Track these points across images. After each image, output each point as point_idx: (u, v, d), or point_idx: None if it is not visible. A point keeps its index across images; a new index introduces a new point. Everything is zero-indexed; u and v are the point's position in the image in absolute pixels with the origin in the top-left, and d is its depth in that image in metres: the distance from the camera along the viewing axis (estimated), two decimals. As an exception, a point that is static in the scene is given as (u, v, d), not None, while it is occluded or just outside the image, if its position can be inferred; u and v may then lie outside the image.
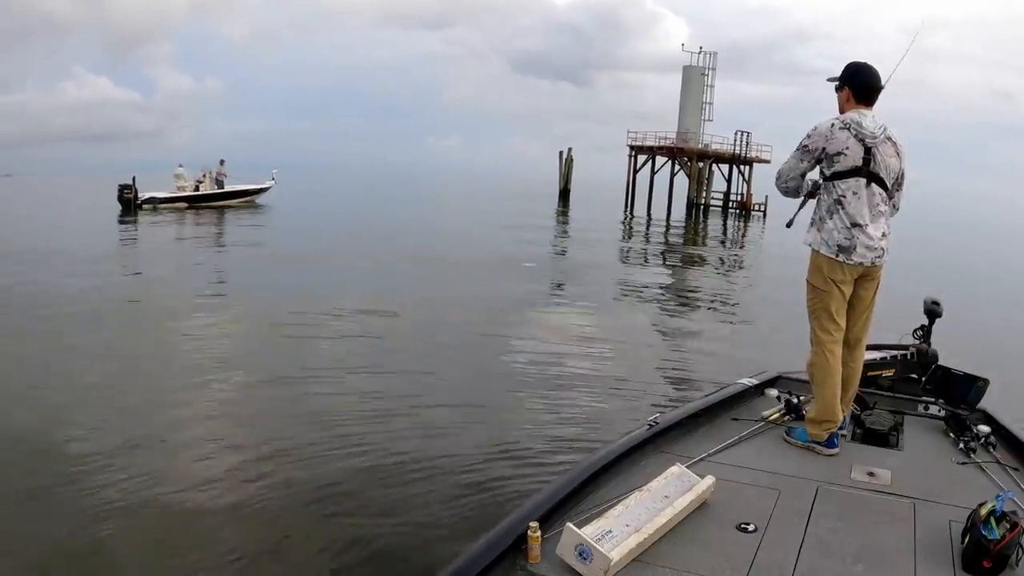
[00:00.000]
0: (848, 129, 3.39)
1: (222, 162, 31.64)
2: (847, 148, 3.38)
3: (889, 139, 3.43)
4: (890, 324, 4.48)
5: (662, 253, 19.12)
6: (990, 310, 14.33)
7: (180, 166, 30.76)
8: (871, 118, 3.42)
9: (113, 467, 5.18)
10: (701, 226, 36.49)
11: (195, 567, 4.07)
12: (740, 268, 16.78)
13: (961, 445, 3.52)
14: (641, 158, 49.44)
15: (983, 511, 2.44)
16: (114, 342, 8.61)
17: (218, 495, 4.89)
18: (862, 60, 3.53)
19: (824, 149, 3.43)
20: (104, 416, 6.19)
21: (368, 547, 4.29)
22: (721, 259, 17.60)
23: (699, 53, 49.32)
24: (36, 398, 6.52)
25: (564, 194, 48.44)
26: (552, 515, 2.61)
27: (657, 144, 48.32)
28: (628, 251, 20.18)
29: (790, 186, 3.62)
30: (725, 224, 39.06)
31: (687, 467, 2.91)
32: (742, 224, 40.12)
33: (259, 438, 5.93)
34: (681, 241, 24.88)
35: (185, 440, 5.82)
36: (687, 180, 47.43)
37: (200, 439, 5.82)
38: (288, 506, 4.78)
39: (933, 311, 4.60)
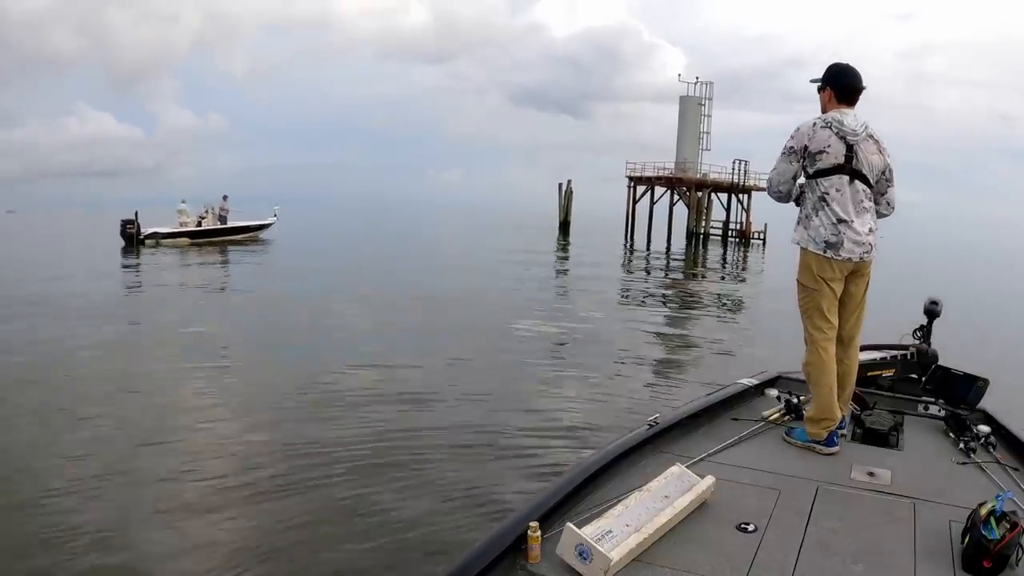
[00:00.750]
0: (829, 127, 3.44)
1: (225, 198, 31.87)
2: (829, 146, 3.43)
3: (871, 137, 3.47)
4: (890, 324, 4.50)
5: (662, 295, 18.88)
6: (992, 335, 14.32)
7: (183, 202, 30.97)
8: (852, 116, 3.46)
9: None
10: (701, 256, 36.44)
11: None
12: (740, 311, 16.59)
13: (961, 445, 3.51)
14: (640, 188, 49.84)
15: (983, 511, 2.43)
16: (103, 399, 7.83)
17: (231, 496, 5.04)
18: (844, 62, 3.58)
19: (807, 147, 3.47)
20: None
21: (368, 548, 4.33)
22: (719, 297, 17.48)
23: (695, 83, 50.07)
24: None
25: (564, 226, 48.64)
26: (552, 515, 2.60)
27: (656, 174, 48.74)
28: (628, 291, 19.89)
29: (782, 191, 3.64)
30: (725, 253, 39.11)
31: (687, 467, 2.90)
32: (742, 253, 40.21)
33: (254, 437, 6.20)
34: (681, 277, 24.63)
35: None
36: (686, 210, 47.71)
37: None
38: (288, 513, 4.84)
39: (933, 311, 4.62)
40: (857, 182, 3.45)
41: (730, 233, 47.90)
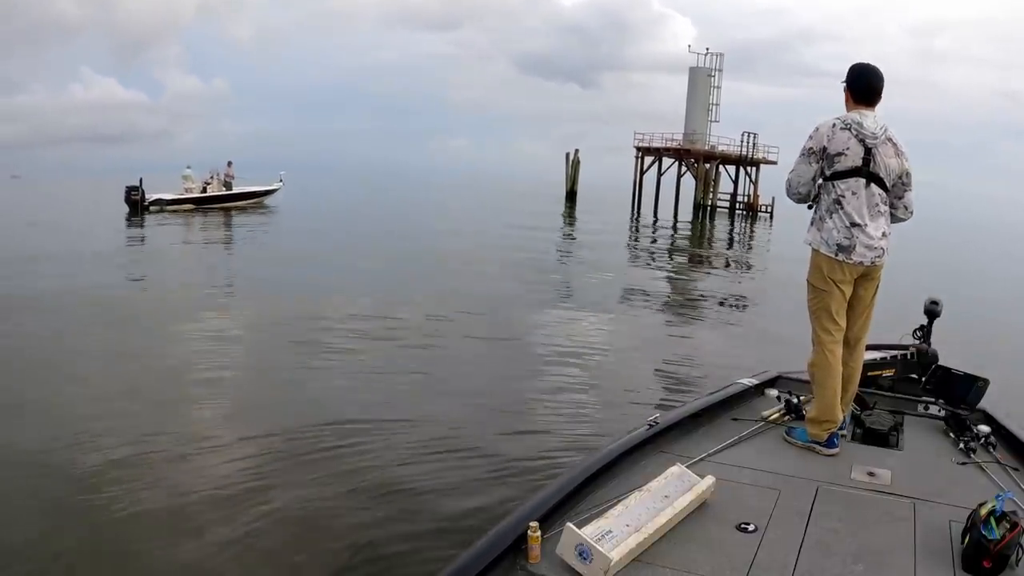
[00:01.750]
0: (849, 129, 3.40)
1: (230, 164, 31.77)
2: (847, 148, 3.40)
3: (890, 140, 3.43)
4: (890, 324, 4.47)
5: (667, 280, 18.59)
6: (996, 312, 14.27)
7: (188, 168, 30.79)
8: (872, 118, 3.43)
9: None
10: (708, 231, 36.10)
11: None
12: (745, 302, 16.29)
13: (961, 445, 3.52)
14: (648, 159, 49.47)
15: (983, 511, 2.45)
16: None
17: (223, 496, 4.95)
18: (866, 61, 3.54)
19: (825, 149, 3.44)
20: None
21: (368, 548, 4.32)
22: (726, 282, 17.31)
23: (706, 54, 49.40)
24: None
25: (571, 195, 48.50)
26: (552, 515, 2.62)
27: (664, 145, 48.35)
28: (632, 270, 19.57)
29: (802, 192, 3.60)
30: (732, 227, 38.87)
31: (687, 467, 2.91)
32: (749, 226, 40.00)
33: (255, 428, 6.09)
34: (687, 260, 24.29)
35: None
36: (694, 181, 47.42)
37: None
38: (287, 507, 4.81)
39: (933, 311, 4.61)
40: (873, 185, 3.43)
41: (737, 206, 47.67)
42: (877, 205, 3.45)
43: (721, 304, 14.54)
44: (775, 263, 21.98)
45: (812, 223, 3.58)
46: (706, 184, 46.89)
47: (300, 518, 4.65)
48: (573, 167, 49.79)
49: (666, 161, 49.22)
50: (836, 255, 3.44)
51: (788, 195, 3.69)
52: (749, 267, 22.31)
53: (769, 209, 45.38)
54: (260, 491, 4.99)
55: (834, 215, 3.45)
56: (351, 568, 4.13)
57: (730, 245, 27.87)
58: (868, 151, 3.39)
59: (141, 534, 4.44)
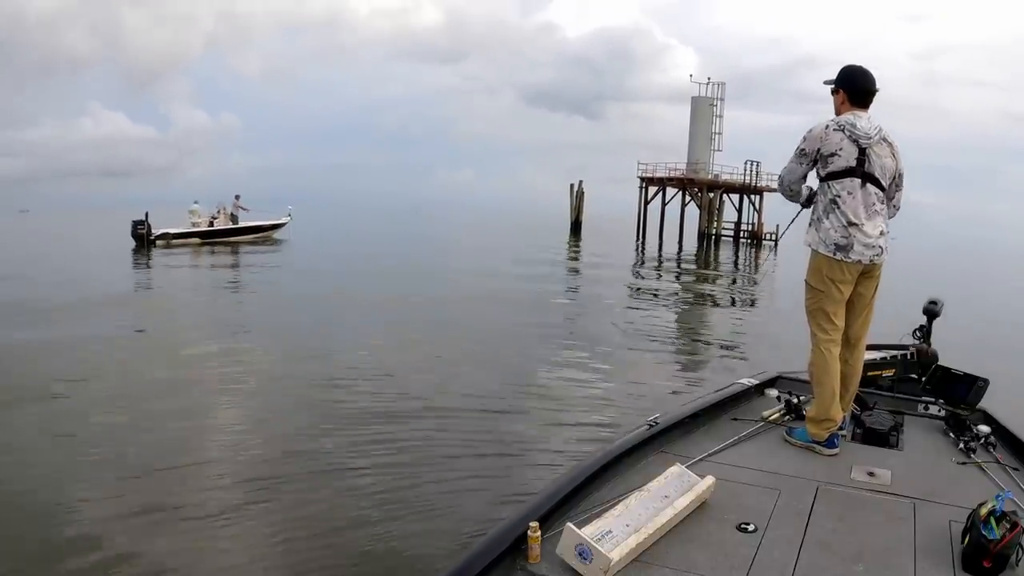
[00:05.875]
0: (842, 131, 3.45)
1: (237, 197, 31.99)
2: (841, 149, 3.44)
3: (884, 140, 3.48)
4: (890, 324, 4.49)
5: (674, 302, 18.54)
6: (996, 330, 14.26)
7: (195, 202, 30.98)
8: (866, 119, 3.47)
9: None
10: (713, 260, 35.96)
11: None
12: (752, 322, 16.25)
13: (961, 445, 3.52)
14: (652, 189, 49.75)
15: (983, 511, 2.44)
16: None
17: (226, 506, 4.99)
18: (857, 64, 3.58)
19: (819, 150, 3.49)
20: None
21: (368, 549, 4.35)
22: (733, 301, 17.23)
23: (707, 84, 49.96)
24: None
25: (576, 226, 48.65)
26: (552, 515, 2.61)
27: (667, 175, 48.65)
28: (637, 293, 19.45)
29: (794, 189, 3.68)
30: (736, 257, 38.82)
31: (687, 467, 2.91)
32: (753, 254, 39.93)
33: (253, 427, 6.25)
34: (693, 278, 24.12)
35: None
36: (698, 211, 47.62)
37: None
38: (285, 509, 4.88)
39: (932, 311, 4.62)
40: (869, 185, 3.46)
41: (742, 234, 47.80)
42: (874, 204, 3.47)
43: (728, 325, 14.54)
44: (778, 288, 21.97)
45: (811, 224, 3.61)
46: (710, 213, 47.09)
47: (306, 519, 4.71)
48: (577, 198, 50.01)
49: (670, 191, 49.50)
50: (835, 255, 3.47)
51: (780, 190, 3.77)
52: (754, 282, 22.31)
53: (774, 237, 45.47)
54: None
55: (831, 215, 3.49)
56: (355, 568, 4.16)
57: (733, 287, 27.54)
58: (862, 151, 3.43)
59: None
